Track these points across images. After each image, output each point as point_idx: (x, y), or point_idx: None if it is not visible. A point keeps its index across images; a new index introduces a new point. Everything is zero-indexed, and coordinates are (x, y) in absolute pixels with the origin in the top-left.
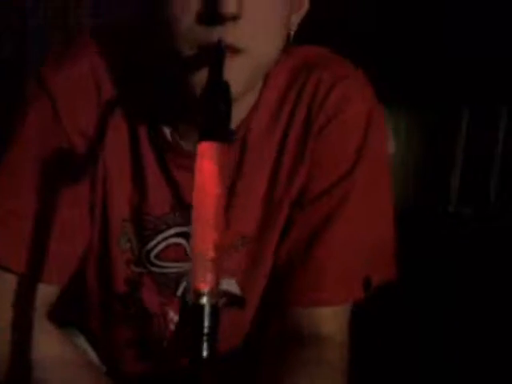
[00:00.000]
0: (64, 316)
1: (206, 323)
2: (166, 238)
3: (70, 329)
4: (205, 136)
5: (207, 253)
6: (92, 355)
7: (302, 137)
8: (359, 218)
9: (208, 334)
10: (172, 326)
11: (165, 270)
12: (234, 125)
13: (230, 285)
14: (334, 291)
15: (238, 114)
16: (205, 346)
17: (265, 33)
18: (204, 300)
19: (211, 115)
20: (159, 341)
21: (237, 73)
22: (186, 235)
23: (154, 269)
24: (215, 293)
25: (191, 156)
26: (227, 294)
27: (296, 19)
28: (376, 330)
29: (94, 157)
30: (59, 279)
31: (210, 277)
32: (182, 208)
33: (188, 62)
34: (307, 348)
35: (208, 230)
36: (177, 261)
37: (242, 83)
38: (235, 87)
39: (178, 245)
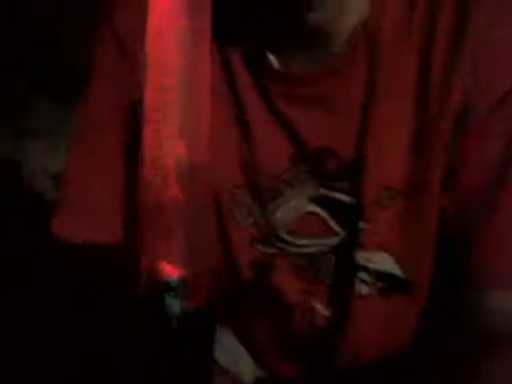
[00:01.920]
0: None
1: None
2: (293, 207)
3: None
4: None
5: (165, 169)
6: (244, 357)
7: (457, 20)
8: None
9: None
10: (319, 321)
11: (301, 250)
12: (351, 23)
13: (385, 262)
14: None
15: (356, 5)
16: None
17: None
18: (172, 300)
19: None
20: (305, 338)
21: None
22: (321, 200)
23: (286, 248)
24: (197, 284)
25: (306, 83)
26: (382, 276)
27: None
28: None
29: None
30: None
31: (178, 244)
32: (306, 158)
33: None
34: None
35: (172, 108)
36: (315, 235)
37: None
38: None
39: (312, 214)
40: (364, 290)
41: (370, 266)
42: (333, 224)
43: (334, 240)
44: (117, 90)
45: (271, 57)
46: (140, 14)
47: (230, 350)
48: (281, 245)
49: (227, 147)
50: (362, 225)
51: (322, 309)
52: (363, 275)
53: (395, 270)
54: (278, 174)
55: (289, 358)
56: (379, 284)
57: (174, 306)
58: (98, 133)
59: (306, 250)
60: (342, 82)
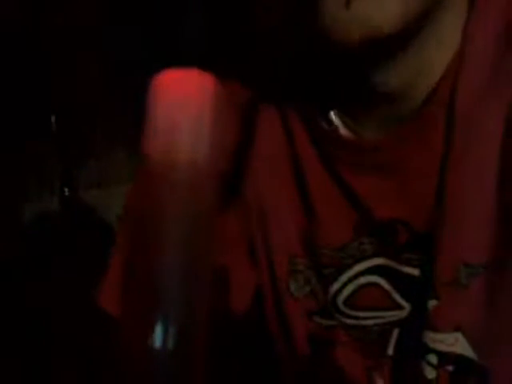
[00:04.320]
0: None
1: None
2: (353, 278)
3: None
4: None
5: None
6: None
7: None
8: None
9: None
10: None
11: (363, 322)
12: (429, 83)
13: (457, 343)
14: None
15: (429, 68)
16: None
17: None
18: None
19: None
20: None
21: None
22: (382, 270)
23: (347, 320)
24: None
25: (377, 150)
26: (453, 358)
27: None
28: None
29: (243, 167)
30: None
31: None
32: (371, 231)
33: None
34: None
35: None
36: (377, 308)
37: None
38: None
39: (373, 285)
40: (431, 373)
41: (441, 348)
42: (397, 297)
43: (398, 314)
44: None
45: (337, 123)
46: None
47: None
48: (340, 317)
49: (285, 216)
50: (433, 303)
51: None
52: (431, 357)
53: (468, 351)
54: (339, 245)
55: None
56: (449, 368)
57: None
58: None
59: (366, 323)
60: (416, 148)
